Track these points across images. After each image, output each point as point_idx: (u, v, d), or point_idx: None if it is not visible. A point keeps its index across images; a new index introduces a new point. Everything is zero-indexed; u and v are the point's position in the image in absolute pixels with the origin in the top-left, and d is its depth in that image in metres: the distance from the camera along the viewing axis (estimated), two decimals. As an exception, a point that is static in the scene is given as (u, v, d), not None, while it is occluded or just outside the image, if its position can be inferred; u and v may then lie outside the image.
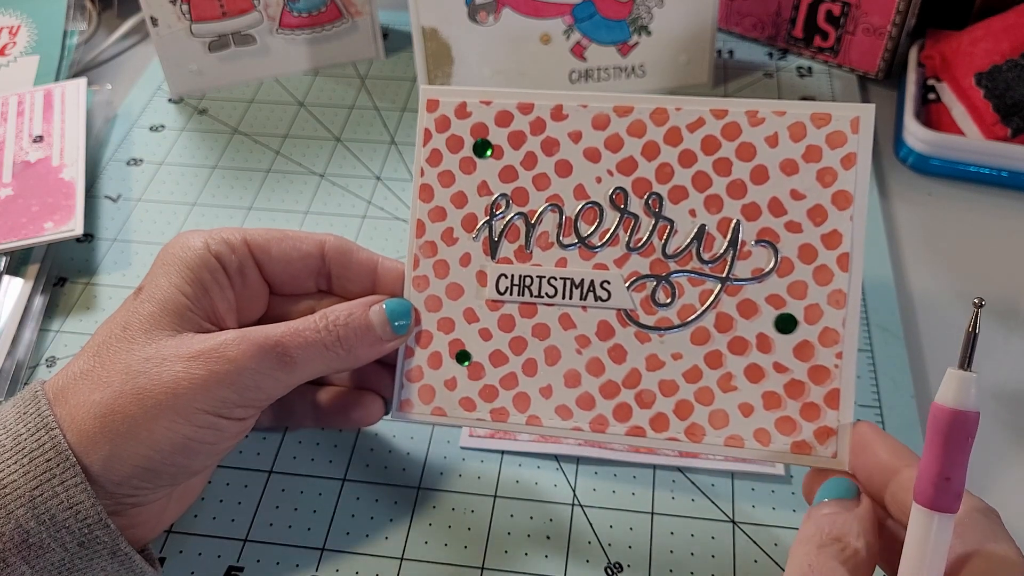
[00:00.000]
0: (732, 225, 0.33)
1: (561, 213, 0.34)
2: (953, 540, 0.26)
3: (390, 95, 0.60)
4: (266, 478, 0.39)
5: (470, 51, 0.56)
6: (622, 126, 0.34)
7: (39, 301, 0.47)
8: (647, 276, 0.33)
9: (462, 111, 0.35)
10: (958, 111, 0.53)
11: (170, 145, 0.57)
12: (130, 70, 0.64)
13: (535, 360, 0.34)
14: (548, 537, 0.37)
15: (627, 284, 0.33)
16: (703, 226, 0.33)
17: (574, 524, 0.37)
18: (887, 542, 0.29)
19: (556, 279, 0.34)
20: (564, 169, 0.34)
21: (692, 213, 0.33)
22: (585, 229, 0.34)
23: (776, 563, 0.36)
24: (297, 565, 0.36)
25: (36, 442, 0.30)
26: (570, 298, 0.34)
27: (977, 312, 0.26)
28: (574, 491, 0.38)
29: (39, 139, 0.53)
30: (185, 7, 0.57)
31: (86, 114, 0.55)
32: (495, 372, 0.35)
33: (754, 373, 0.32)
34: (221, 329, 0.34)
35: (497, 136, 0.35)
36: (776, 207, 0.32)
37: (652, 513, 0.38)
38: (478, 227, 0.35)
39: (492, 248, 0.35)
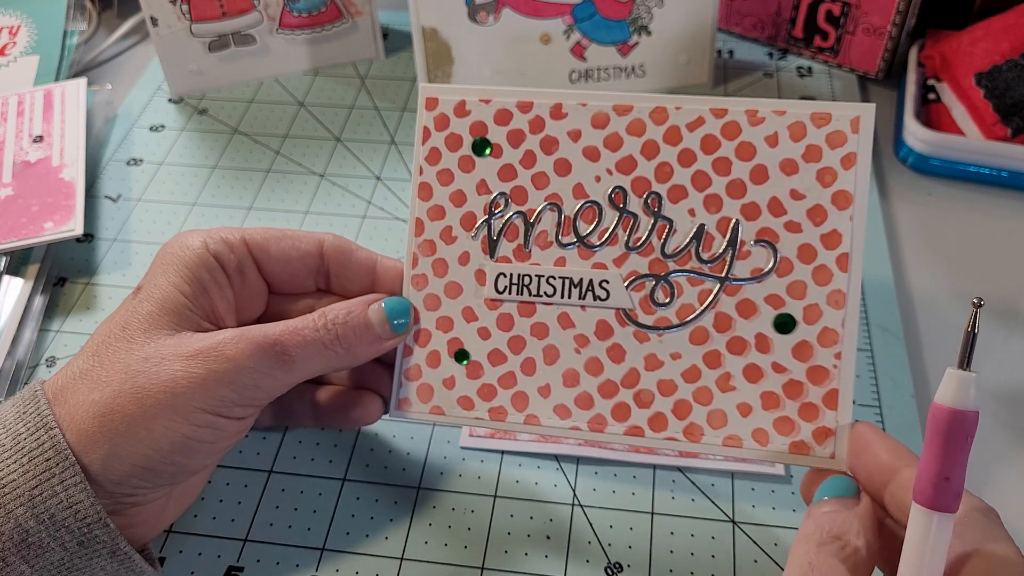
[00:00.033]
0: (731, 225, 0.33)
1: (560, 212, 0.34)
2: (952, 540, 0.26)
3: (390, 95, 0.60)
4: (266, 478, 0.39)
5: (470, 51, 0.56)
6: (621, 125, 0.34)
7: (39, 301, 0.47)
8: (646, 275, 0.33)
9: (461, 109, 0.35)
10: (958, 111, 0.53)
11: (170, 145, 0.57)
12: (130, 70, 0.64)
13: (534, 359, 0.34)
14: (548, 537, 0.37)
15: (626, 283, 0.33)
16: (702, 226, 0.33)
17: (574, 524, 0.37)
18: (886, 542, 0.28)
19: (555, 278, 0.34)
20: (563, 168, 0.34)
21: (691, 212, 0.33)
22: (584, 228, 0.34)
23: (776, 563, 0.36)
24: (297, 565, 0.36)
25: (35, 441, 0.30)
26: (569, 297, 0.34)
27: (976, 312, 0.26)
28: (574, 491, 0.38)
29: (39, 139, 0.53)
30: (185, 7, 0.57)
31: (86, 114, 0.55)
32: (494, 371, 0.35)
33: (753, 373, 0.32)
34: (220, 328, 0.34)
35: (496, 135, 0.35)
36: (776, 207, 0.32)
37: (652, 513, 0.38)
38: (477, 226, 0.35)
39: (491, 247, 0.35)
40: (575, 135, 0.34)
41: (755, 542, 0.37)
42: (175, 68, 0.60)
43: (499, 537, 0.37)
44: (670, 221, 0.33)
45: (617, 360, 0.33)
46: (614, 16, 0.56)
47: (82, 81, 0.57)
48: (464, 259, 0.35)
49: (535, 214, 0.34)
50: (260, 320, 0.37)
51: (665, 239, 0.33)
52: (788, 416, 0.32)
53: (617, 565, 0.36)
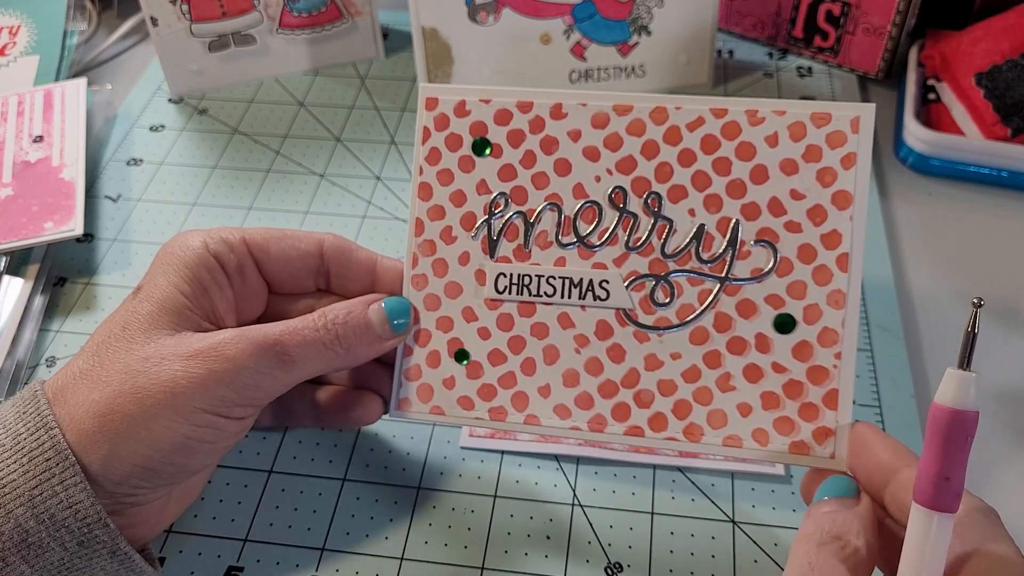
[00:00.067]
0: (731, 225, 0.33)
1: (560, 212, 0.34)
2: (952, 540, 0.26)
3: (390, 95, 0.60)
4: (266, 478, 0.39)
5: (470, 51, 0.56)
6: (621, 125, 0.34)
7: (39, 301, 0.47)
8: (646, 275, 0.33)
9: (461, 109, 0.35)
10: (958, 111, 0.53)
11: (170, 145, 0.57)
12: (130, 70, 0.64)
13: (534, 359, 0.34)
14: (548, 537, 0.37)
15: (626, 283, 0.33)
16: (702, 226, 0.33)
17: (574, 524, 0.37)
18: (886, 542, 0.28)
19: (555, 278, 0.34)
20: (563, 168, 0.34)
21: (691, 212, 0.33)
22: (584, 228, 0.34)
23: (776, 563, 0.36)
24: (297, 565, 0.36)
25: (35, 441, 0.30)
26: (569, 297, 0.34)
27: (976, 312, 0.26)
28: (574, 491, 0.38)
29: (39, 139, 0.53)
30: (185, 7, 0.57)
31: (86, 114, 0.55)
32: (493, 371, 0.35)
33: (753, 373, 0.32)
34: (220, 328, 0.34)
35: (496, 134, 0.35)
36: (776, 207, 0.32)
37: (652, 513, 0.38)
38: (477, 226, 0.35)
39: (491, 247, 0.35)
40: (575, 135, 0.34)
41: (755, 542, 0.37)
42: (175, 68, 0.60)
43: (499, 537, 0.37)
44: (670, 221, 0.33)
45: (617, 360, 0.33)
46: (614, 16, 0.56)
47: (82, 81, 0.57)
48: (464, 259, 0.35)
49: (535, 214, 0.34)
50: (260, 320, 0.37)
51: (665, 239, 0.33)
52: (788, 416, 0.32)
53: (617, 565, 0.36)
